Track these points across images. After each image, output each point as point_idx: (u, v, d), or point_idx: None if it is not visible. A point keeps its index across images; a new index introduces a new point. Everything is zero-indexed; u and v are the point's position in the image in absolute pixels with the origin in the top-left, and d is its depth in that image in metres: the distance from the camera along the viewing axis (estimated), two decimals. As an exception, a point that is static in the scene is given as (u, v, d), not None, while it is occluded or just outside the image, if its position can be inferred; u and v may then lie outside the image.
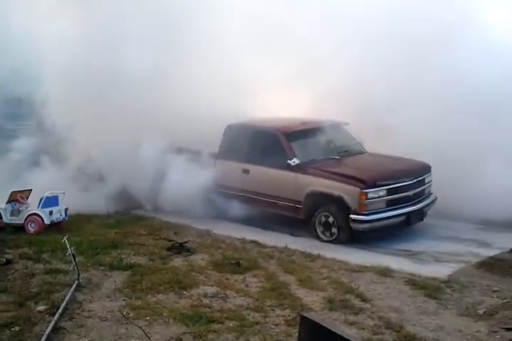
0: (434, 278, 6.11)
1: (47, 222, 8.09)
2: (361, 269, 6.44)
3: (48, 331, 4.50)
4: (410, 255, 7.16)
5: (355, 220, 7.46)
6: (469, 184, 7.99)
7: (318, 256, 6.96)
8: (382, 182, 7.55)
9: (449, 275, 6.27)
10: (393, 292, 5.74)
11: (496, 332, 4.75)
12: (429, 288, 5.77)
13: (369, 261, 6.73)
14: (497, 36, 8.96)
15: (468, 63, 8.63)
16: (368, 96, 8.97)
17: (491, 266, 6.61)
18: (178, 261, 6.70)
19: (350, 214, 7.47)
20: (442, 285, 5.93)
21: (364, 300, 5.48)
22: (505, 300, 5.46)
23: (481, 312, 5.19)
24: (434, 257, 7.03)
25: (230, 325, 4.84)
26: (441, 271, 6.43)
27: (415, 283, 5.94)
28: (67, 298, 5.23)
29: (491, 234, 7.82)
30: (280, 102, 9.50)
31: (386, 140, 8.81)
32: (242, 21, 9.51)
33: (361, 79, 9.03)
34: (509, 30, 8.98)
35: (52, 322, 4.66)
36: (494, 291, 5.71)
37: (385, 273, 6.29)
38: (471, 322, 4.99)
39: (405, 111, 8.67)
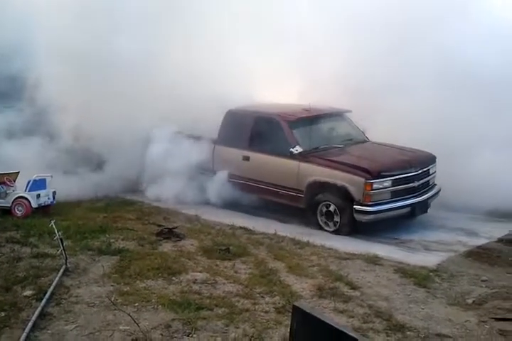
0: (423, 267, 6.13)
1: (34, 205, 7.99)
2: (350, 257, 6.44)
3: (34, 317, 4.44)
4: (399, 243, 7.18)
5: (359, 211, 7.31)
6: (463, 173, 7.97)
7: (308, 243, 6.95)
8: (388, 173, 7.38)
9: (438, 264, 6.29)
10: (382, 280, 5.75)
11: (485, 321, 4.76)
12: (418, 277, 5.79)
13: (358, 248, 6.74)
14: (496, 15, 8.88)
15: (465, 43, 8.55)
16: (364, 81, 8.86)
17: (479, 255, 6.64)
18: (167, 247, 6.66)
19: (353, 204, 7.33)
20: (431, 274, 5.95)
21: (353, 287, 5.49)
22: (493, 290, 5.48)
23: (469, 301, 5.21)
24: (423, 246, 7.05)
25: (220, 311, 4.82)
26: (430, 259, 6.45)
27: (404, 272, 5.95)
28: (54, 283, 5.17)
29: (480, 223, 7.87)
30: (277, 90, 9.37)
31: (386, 127, 8.71)
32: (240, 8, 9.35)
33: (358, 64, 8.93)
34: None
35: (39, 308, 4.60)
36: (483, 281, 5.74)
37: (374, 261, 6.30)
38: (460, 311, 5.01)
39: (404, 96, 8.60)
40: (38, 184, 8.19)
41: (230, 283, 5.52)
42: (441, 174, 8.19)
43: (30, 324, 4.32)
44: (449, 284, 5.67)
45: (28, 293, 5.03)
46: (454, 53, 8.55)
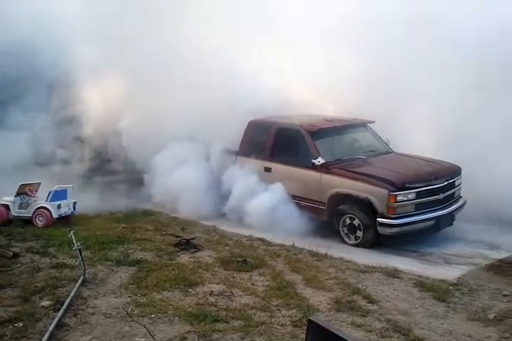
0: (443, 281, 6.03)
1: (55, 215, 8.09)
2: (369, 270, 6.37)
3: (51, 327, 4.47)
4: (419, 256, 7.07)
5: (382, 224, 7.15)
6: (485, 183, 7.83)
7: (326, 256, 6.89)
8: (412, 185, 7.21)
9: (458, 277, 6.18)
10: (401, 294, 5.66)
11: (506, 338, 4.66)
12: (438, 291, 5.69)
13: (377, 261, 6.65)
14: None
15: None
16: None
17: (500, 269, 6.51)
18: (184, 258, 6.67)
19: (377, 217, 7.19)
20: (451, 287, 5.84)
21: (371, 301, 5.41)
22: (515, 305, 5.37)
23: (491, 316, 5.09)
24: (443, 259, 6.93)
25: (236, 324, 4.79)
26: (450, 273, 6.35)
27: (424, 285, 5.86)
28: (72, 294, 5.21)
29: (501, 236, 7.70)
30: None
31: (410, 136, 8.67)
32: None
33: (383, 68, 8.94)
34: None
35: (56, 319, 4.64)
36: (505, 295, 5.62)
37: (393, 274, 6.22)
38: (481, 327, 4.90)
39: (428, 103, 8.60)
40: (59, 194, 8.30)
41: (247, 295, 5.50)
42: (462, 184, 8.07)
43: (47, 335, 4.36)
44: (469, 298, 5.56)
45: (45, 303, 5.08)
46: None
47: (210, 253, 6.86)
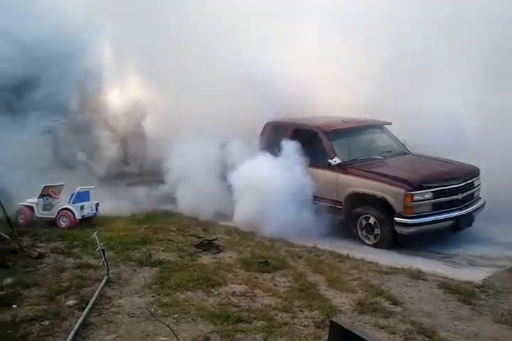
0: (468, 283, 5.95)
1: (78, 216, 8.19)
2: (392, 271, 6.32)
3: (76, 326, 4.52)
4: (443, 258, 7.00)
5: (399, 223, 7.16)
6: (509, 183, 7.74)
7: (348, 257, 6.86)
8: (429, 184, 7.23)
9: (484, 279, 6.10)
10: (425, 295, 5.60)
11: (533, 341, 4.58)
12: (463, 293, 5.61)
13: (400, 262, 6.62)
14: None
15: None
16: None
17: (527, 271, 6.40)
18: (206, 258, 6.69)
19: (394, 216, 7.20)
20: (476, 290, 5.77)
21: (395, 303, 5.36)
22: (543, 308, 5.27)
23: (517, 319, 5.02)
24: (468, 260, 6.86)
25: (258, 325, 4.79)
26: (475, 275, 6.27)
27: (448, 287, 5.79)
28: (96, 293, 5.26)
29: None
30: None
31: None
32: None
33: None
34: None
35: (82, 318, 4.68)
36: (531, 298, 5.53)
37: (417, 275, 6.16)
38: (508, 330, 4.82)
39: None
40: (82, 196, 8.40)
41: (269, 296, 5.49)
42: (485, 185, 7.97)
43: (72, 333, 4.40)
44: (495, 301, 5.48)
45: (71, 302, 5.13)
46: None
47: (232, 254, 6.87)
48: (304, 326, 4.80)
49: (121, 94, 11.49)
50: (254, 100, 8.73)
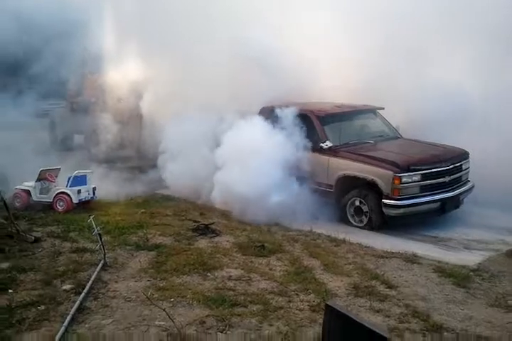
0: (463, 266, 5.98)
1: (75, 200, 8.17)
2: (387, 255, 6.35)
3: (72, 311, 4.55)
4: (438, 242, 7.02)
5: (387, 205, 7.29)
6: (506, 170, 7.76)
7: (344, 241, 6.87)
8: (417, 167, 7.35)
9: (479, 263, 6.13)
10: (420, 279, 5.63)
11: (527, 324, 4.62)
12: (458, 277, 5.64)
13: (395, 246, 6.64)
14: None
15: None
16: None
17: (522, 255, 6.43)
18: (203, 243, 6.71)
19: (382, 198, 7.32)
20: (471, 273, 5.80)
21: (390, 286, 5.40)
22: (537, 291, 5.30)
23: (511, 303, 5.05)
24: (463, 244, 6.88)
25: (254, 308, 4.82)
26: (470, 258, 6.30)
27: (443, 271, 5.82)
28: (92, 278, 5.28)
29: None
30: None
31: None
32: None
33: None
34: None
35: (78, 302, 4.71)
36: (526, 281, 5.56)
37: (412, 259, 6.19)
38: (501, 313, 4.86)
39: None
40: (79, 180, 8.36)
41: (265, 280, 5.52)
42: (480, 170, 7.98)
43: (68, 317, 4.43)
44: (489, 284, 5.52)
45: (67, 287, 5.16)
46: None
47: (229, 239, 6.89)
48: (300, 310, 4.84)
49: (118, 77, 11.39)
50: (255, 80, 8.63)
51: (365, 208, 7.56)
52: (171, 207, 8.53)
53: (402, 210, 7.30)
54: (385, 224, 7.47)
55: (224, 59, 8.85)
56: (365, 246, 6.68)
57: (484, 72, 8.74)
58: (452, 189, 7.66)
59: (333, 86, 9.22)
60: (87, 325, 4.46)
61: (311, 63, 9.06)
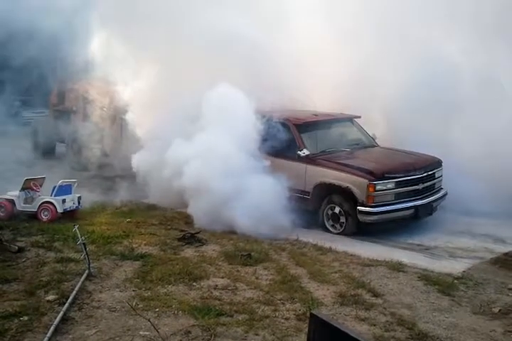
0: (448, 274, 6.03)
1: (60, 210, 8.09)
2: (373, 263, 6.36)
3: (56, 321, 4.49)
4: (423, 250, 7.08)
5: (362, 212, 7.43)
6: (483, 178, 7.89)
7: (330, 249, 6.89)
8: (391, 175, 7.56)
9: (463, 271, 6.18)
10: (406, 287, 5.66)
11: (511, 331, 4.65)
12: (443, 284, 5.68)
13: (381, 255, 6.66)
14: None
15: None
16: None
17: (506, 262, 6.49)
18: (189, 252, 6.68)
19: (357, 205, 7.44)
20: (456, 281, 5.84)
21: (376, 295, 5.41)
22: (521, 299, 5.35)
23: (496, 310, 5.09)
24: (448, 252, 6.94)
25: (240, 318, 4.80)
26: (455, 266, 6.35)
27: (428, 279, 5.85)
28: (77, 288, 5.22)
29: (507, 230, 7.68)
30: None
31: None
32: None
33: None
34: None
35: (61, 313, 4.65)
36: (510, 289, 5.62)
37: (398, 267, 6.21)
38: (486, 320, 4.90)
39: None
40: (64, 189, 8.30)
41: (251, 289, 5.50)
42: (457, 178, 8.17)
43: (52, 328, 4.37)
44: (474, 292, 5.56)
45: (51, 297, 5.09)
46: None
47: (215, 248, 6.87)
48: (286, 319, 4.83)
49: (100, 85, 11.35)
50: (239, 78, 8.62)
51: (340, 214, 7.71)
52: (156, 216, 8.49)
53: (376, 217, 7.46)
54: (359, 230, 7.62)
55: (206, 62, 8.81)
56: (351, 255, 6.70)
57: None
58: (425, 196, 7.87)
59: (315, 94, 9.30)
60: (70, 336, 4.41)
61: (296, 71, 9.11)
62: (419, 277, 5.93)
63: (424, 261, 6.53)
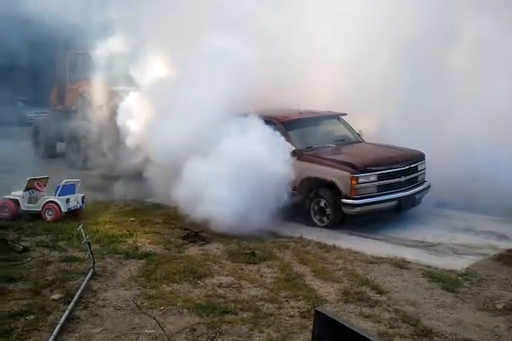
0: (452, 271, 6.03)
1: (64, 209, 8.11)
2: (377, 261, 6.38)
3: (62, 320, 4.52)
4: (427, 246, 7.06)
5: (346, 204, 7.63)
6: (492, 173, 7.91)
7: (334, 247, 6.90)
8: (373, 168, 7.74)
9: (467, 268, 6.17)
10: (410, 284, 5.66)
11: (515, 327, 4.66)
12: (447, 281, 5.69)
13: (385, 252, 6.66)
14: None
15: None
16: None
17: (510, 259, 6.48)
18: (193, 250, 6.70)
19: (341, 198, 7.63)
20: (460, 278, 5.84)
21: (380, 292, 5.42)
22: (524, 295, 5.36)
23: (499, 306, 5.10)
24: (451, 249, 6.92)
25: (244, 316, 4.82)
26: (458, 263, 6.34)
27: (432, 276, 5.86)
28: (82, 287, 5.26)
29: (509, 226, 7.68)
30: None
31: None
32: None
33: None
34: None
35: (67, 311, 4.68)
36: (513, 285, 5.61)
37: (402, 264, 6.22)
38: (490, 316, 4.91)
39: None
40: (68, 189, 8.32)
41: (255, 287, 5.52)
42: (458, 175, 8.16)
43: (57, 327, 4.41)
44: (478, 289, 5.56)
45: (56, 296, 5.13)
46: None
47: (219, 246, 6.89)
48: (290, 316, 4.85)
49: (99, 84, 11.39)
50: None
51: (326, 207, 7.87)
52: (160, 215, 8.50)
53: (359, 209, 7.64)
54: (344, 222, 7.80)
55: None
56: (355, 252, 6.70)
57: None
58: (408, 188, 8.03)
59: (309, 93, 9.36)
60: (76, 335, 4.44)
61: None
62: (423, 274, 5.93)
63: (428, 258, 6.53)
